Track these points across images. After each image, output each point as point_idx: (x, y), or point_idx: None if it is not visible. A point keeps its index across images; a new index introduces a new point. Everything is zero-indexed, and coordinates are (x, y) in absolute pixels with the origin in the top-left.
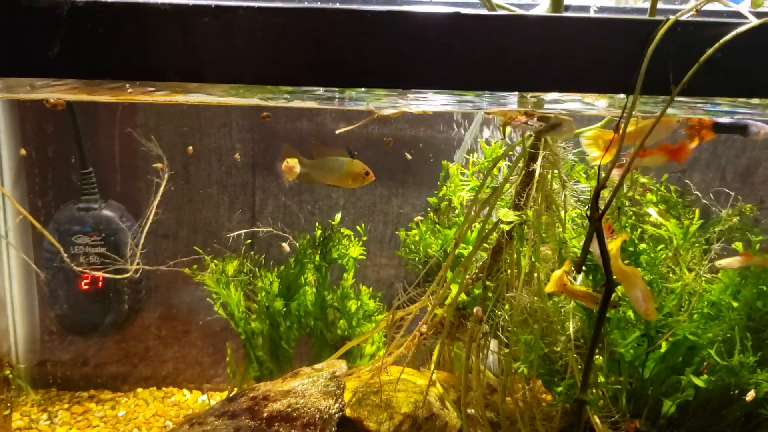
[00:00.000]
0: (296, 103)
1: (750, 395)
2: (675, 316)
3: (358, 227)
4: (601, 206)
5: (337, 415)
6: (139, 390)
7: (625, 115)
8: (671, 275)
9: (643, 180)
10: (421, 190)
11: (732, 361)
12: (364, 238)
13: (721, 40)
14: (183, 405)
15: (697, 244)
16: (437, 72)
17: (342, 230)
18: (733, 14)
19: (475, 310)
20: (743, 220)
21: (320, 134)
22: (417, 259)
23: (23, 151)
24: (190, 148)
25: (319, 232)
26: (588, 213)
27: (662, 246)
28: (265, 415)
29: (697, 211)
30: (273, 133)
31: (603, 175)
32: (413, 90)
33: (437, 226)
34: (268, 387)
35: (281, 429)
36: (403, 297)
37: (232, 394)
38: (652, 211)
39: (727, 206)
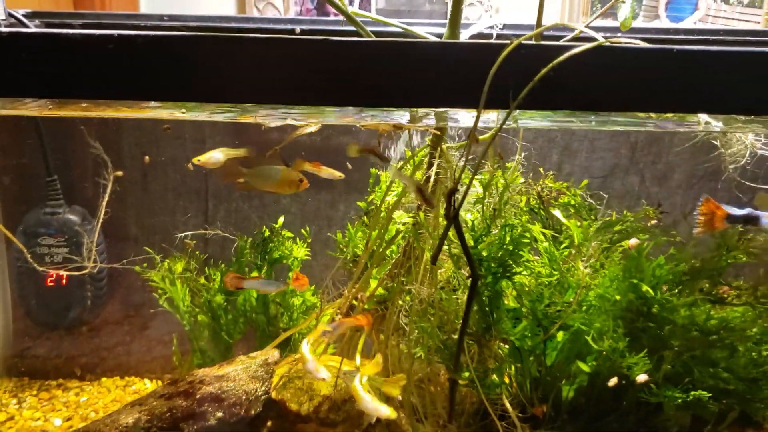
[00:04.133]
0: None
1: (612, 381)
2: (564, 307)
3: (302, 230)
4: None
5: (263, 397)
6: (104, 379)
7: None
8: (574, 270)
9: (551, 185)
10: (362, 195)
11: (603, 346)
12: (309, 240)
13: (553, 62)
14: (142, 393)
15: (597, 243)
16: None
17: (283, 233)
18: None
19: (359, 296)
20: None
21: (267, 147)
22: (347, 257)
23: None
24: (147, 157)
25: (266, 234)
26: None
27: (566, 244)
28: (198, 396)
29: (614, 214)
30: (224, 145)
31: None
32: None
33: (366, 228)
34: (205, 372)
35: (210, 408)
36: (334, 292)
37: (173, 379)
38: (557, 212)
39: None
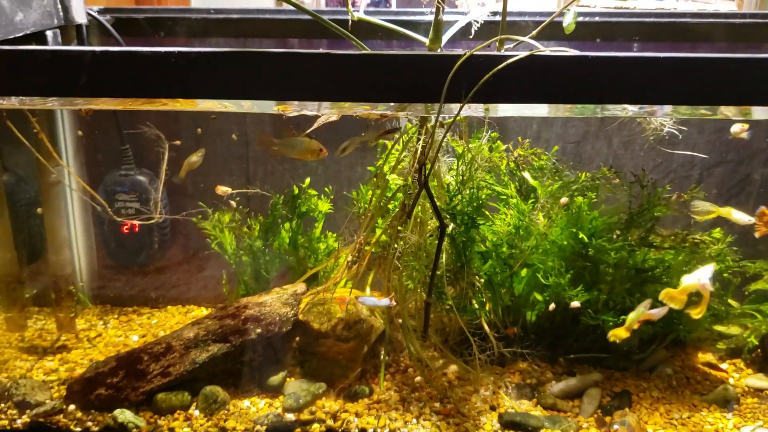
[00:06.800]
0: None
1: (551, 306)
2: (524, 250)
3: (326, 188)
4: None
5: (292, 318)
6: (169, 307)
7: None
8: (536, 221)
9: (522, 152)
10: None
11: (549, 281)
12: (332, 197)
13: (493, 70)
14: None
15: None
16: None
17: (309, 191)
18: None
19: (357, 239)
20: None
21: (294, 125)
22: (360, 211)
23: (80, 132)
24: (199, 129)
25: (295, 191)
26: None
27: (533, 200)
28: (242, 317)
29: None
30: (260, 120)
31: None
32: None
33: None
34: (248, 300)
35: (251, 326)
36: (349, 239)
37: (224, 305)
38: (527, 174)
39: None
